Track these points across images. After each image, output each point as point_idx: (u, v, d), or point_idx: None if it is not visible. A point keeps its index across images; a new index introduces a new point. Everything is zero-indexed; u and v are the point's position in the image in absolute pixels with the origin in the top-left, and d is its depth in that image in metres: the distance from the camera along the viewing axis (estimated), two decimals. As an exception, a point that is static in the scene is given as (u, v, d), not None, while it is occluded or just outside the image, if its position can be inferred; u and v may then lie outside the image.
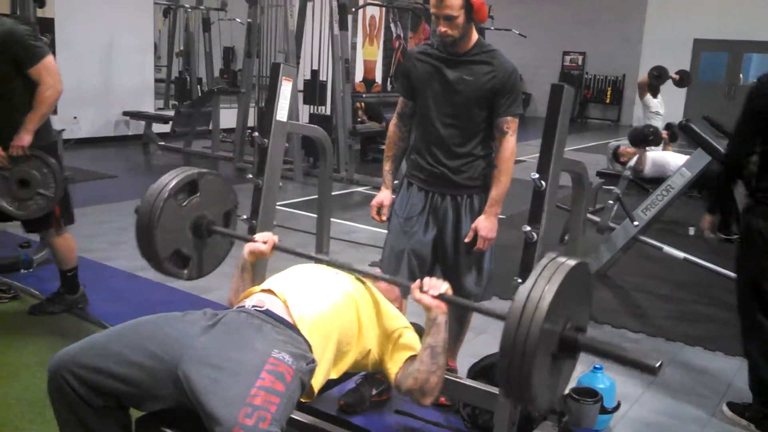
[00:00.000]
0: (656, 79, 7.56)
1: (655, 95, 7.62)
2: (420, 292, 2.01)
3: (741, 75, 15.55)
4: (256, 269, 2.40)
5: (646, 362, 1.67)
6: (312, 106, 8.71)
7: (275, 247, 2.34)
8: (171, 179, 2.44)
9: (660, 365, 1.66)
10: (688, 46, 15.36)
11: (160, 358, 1.76)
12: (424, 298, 2.00)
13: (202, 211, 2.52)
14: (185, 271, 2.54)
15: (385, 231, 2.93)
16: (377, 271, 2.49)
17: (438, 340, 1.98)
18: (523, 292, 1.68)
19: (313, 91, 8.45)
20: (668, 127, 7.08)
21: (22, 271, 4.16)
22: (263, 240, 2.33)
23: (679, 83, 8.04)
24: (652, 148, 6.88)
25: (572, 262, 1.73)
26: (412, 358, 2.06)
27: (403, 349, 2.11)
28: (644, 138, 6.14)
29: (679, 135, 4.56)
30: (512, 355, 1.64)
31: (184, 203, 2.47)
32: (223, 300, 3.72)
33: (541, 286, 1.67)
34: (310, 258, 2.34)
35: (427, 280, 2.04)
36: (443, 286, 2.02)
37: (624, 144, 7.49)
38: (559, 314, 1.71)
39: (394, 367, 2.08)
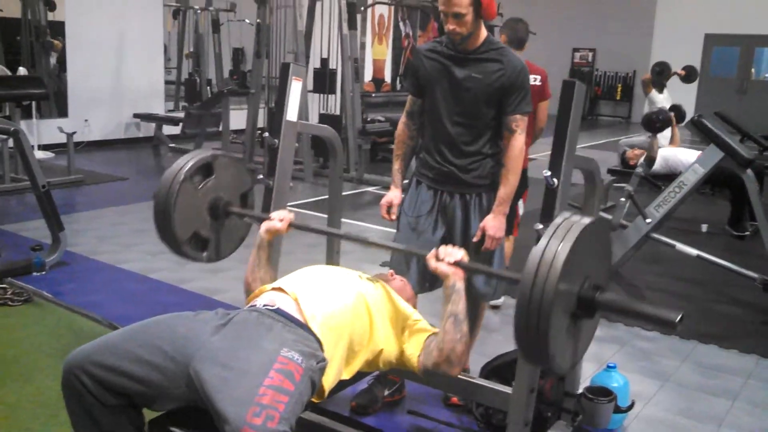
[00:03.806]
0: (658, 75, 7.54)
1: (660, 90, 7.60)
2: (436, 261, 2.06)
3: (753, 69, 15.44)
4: (273, 249, 2.43)
5: (665, 316, 1.70)
6: (322, 105, 8.70)
7: (291, 225, 2.39)
8: (186, 162, 2.46)
9: (681, 319, 1.67)
10: (699, 41, 15.26)
11: (172, 357, 1.77)
12: (440, 266, 2.06)
13: (219, 193, 2.55)
14: (204, 254, 2.57)
15: (395, 230, 2.92)
16: (390, 272, 2.49)
17: (459, 307, 2.02)
18: (537, 251, 1.68)
19: (323, 79, 8.43)
20: (673, 108, 7.05)
21: (34, 274, 4.18)
22: (279, 218, 2.37)
23: (685, 79, 8.00)
24: (662, 144, 6.84)
25: (587, 220, 1.73)
26: (432, 336, 2.10)
27: (420, 332, 2.15)
28: (651, 123, 6.13)
29: (691, 129, 4.53)
30: (528, 315, 1.64)
31: (200, 185, 2.50)
32: (236, 302, 3.74)
33: (555, 245, 1.67)
34: (326, 234, 2.35)
35: (442, 248, 2.09)
36: (459, 254, 2.07)
37: (631, 144, 7.47)
38: (576, 273, 1.71)
39: (415, 350, 2.11)
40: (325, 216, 3.05)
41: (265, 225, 2.38)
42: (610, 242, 1.90)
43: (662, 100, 7.55)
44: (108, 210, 6.01)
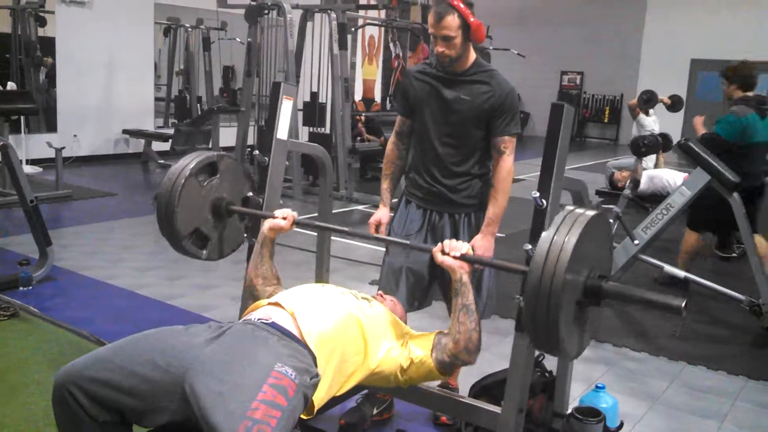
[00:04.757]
0: (646, 103, 7.64)
1: (647, 113, 7.68)
2: (442, 255, 2.12)
3: (738, 94, 15.61)
4: (274, 246, 2.47)
5: (670, 303, 1.74)
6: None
7: (294, 223, 2.43)
8: (192, 160, 2.51)
9: (685, 305, 1.71)
10: (686, 66, 15.43)
11: (165, 370, 1.76)
12: (446, 259, 2.12)
13: (222, 193, 2.59)
14: (204, 252, 2.60)
15: (384, 249, 2.93)
16: (379, 293, 2.50)
17: (469, 298, 2.10)
18: (544, 241, 1.73)
19: (312, 112, 8.48)
20: (662, 136, 7.12)
21: (21, 288, 4.15)
22: (283, 216, 2.41)
23: (671, 108, 8.08)
24: (648, 166, 6.91)
25: (591, 212, 1.80)
26: (440, 334, 2.17)
27: (423, 336, 2.21)
28: (637, 148, 6.20)
29: (677, 152, 4.58)
30: (537, 304, 1.69)
31: (204, 183, 2.54)
32: (225, 319, 3.72)
33: (562, 234, 1.73)
34: (330, 230, 2.39)
35: (447, 242, 2.14)
36: (464, 247, 2.13)
37: (619, 166, 7.53)
38: (582, 262, 1.77)
39: (426, 350, 2.16)
40: (314, 234, 3.05)
41: (268, 223, 2.42)
42: (611, 235, 1.96)
43: (651, 123, 7.65)
44: (96, 225, 5.98)
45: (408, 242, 2.48)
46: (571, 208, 1.84)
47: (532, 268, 1.72)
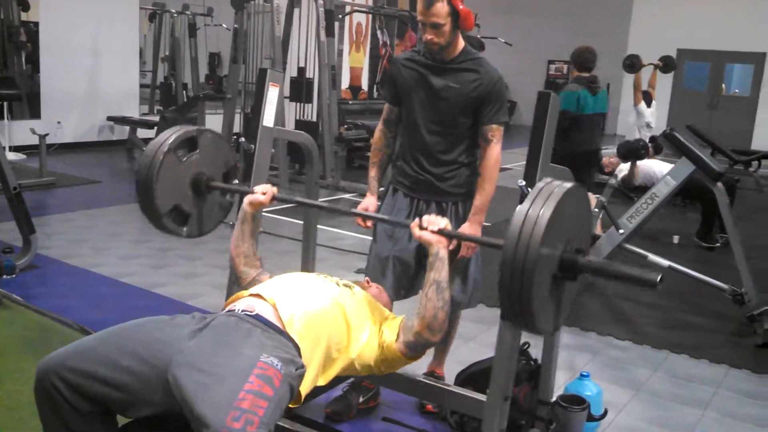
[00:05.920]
0: (629, 68, 7.73)
1: (649, 104, 7.71)
2: (420, 229, 2.10)
3: (723, 85, 15.71)
4: (256, 223, 2.44)
5: (646, 277, 1.72)
6: (298, 112, 8.70)
7: (274, 198, 2.41)
8: (170, 135, 2.44)
9: (661, 279, 1.69)
10: (672, 56, 15.50)
11: (149, 362, 1.75)
12: (424, 234, 2.09)
13: (202, 168, 2.53)
14: (185, 229, 2.54)
15: (371, 238, 2.93)
16: (366, 280, 2.50)
17: (442, 274, 2.05)
18: (520, 213, 1.70)
19: (299, 88, 8.43)
20: (652, 139, 7.13)
21: (4, 276, 4.11)
22: (262, 191, 2.39)
23: (664, 69, 8.15)
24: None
25: (568, 185, 1.76)
26: (408, 317, 2.14)
27: (394, 320, 2.19)
28: (635, 152, 6.19)
29: (663, 145, 4.64)
30: (512, 276, 1.66)
31: (184, 159, 2.48)
32: (210, 307, 3.71)
33: (537, 207, 1.69)
34: (310, 206, 2.37)
35: (426, 217, 2.13)
36: (442, 222, 2.10)
37: (607, 154, 7.54)
38: (558, 235, 1.74)
39: (392, 335, 2.13)
40: (300, 222, 3.04)
41: (248, 198, 2.40)
42: (590, 209, 1.93)
43: (649, 115, 7.71)
44: (80, 213, 5.93)
45: (386, 217, 2.52)
46: (548, 179, 1.80)
47: (507, 241, 1.68)
